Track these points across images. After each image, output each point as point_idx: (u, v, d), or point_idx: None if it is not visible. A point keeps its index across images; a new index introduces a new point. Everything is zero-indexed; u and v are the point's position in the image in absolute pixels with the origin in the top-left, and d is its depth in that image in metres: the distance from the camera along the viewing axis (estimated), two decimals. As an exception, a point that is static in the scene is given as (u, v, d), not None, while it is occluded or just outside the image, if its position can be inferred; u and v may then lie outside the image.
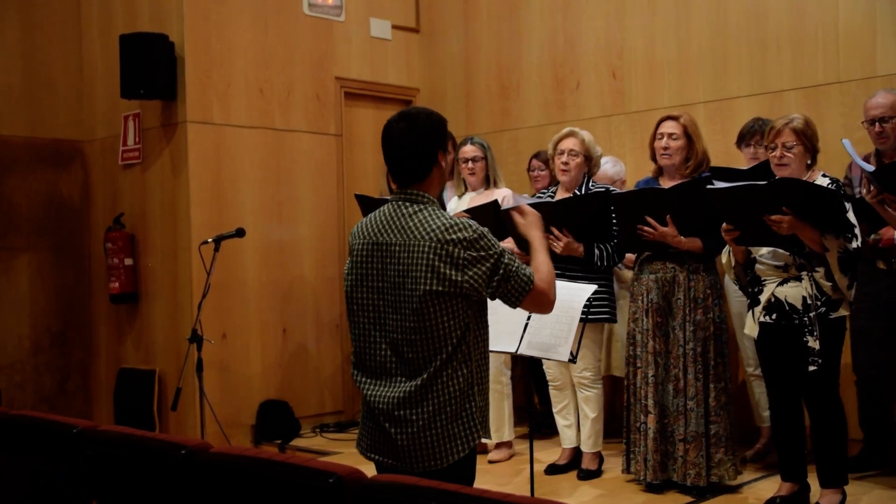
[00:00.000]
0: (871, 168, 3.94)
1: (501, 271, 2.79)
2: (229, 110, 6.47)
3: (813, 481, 4.45)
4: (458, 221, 2.77)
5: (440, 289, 2.74)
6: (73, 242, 7.04)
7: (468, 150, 5.55)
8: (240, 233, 5.71)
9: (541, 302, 2.92)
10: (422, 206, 2.83)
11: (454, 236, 2.74)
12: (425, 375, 2.79)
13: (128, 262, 6.58)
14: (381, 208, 2.93)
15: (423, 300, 2.75)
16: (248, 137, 6.56)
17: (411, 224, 2.80)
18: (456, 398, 2.81)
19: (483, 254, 2.76)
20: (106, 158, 6.90)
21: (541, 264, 2.95)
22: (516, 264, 2.83)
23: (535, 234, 3.08)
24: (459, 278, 2.74)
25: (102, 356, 7.00)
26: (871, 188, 3.91)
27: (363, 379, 2.92)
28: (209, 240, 5.61)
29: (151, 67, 6.17)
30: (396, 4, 7.54)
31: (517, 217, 3.15)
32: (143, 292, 6.61)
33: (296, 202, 6.78)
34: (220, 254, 5.60)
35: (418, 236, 2.77)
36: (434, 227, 2.77)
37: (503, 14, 7.12)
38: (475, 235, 2.75)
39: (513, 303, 2.88)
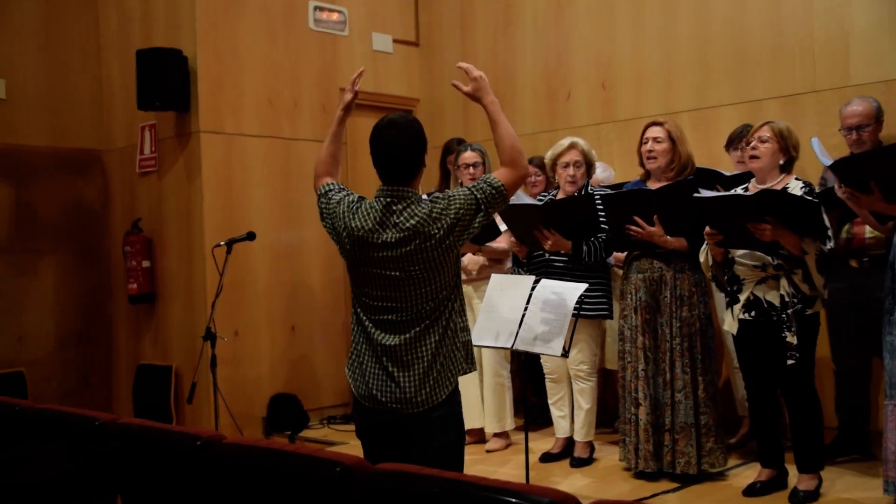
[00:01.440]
0: (829, 162, 3.94)
1: (482, 205, 2.94)
2: (240, 120, 6.48)
3: (791, 467, 4.46)
4: (434, 200, 2.95)
5: (442, 254, 2.93)
6: (94, 246, 7.06)
7: (469, 157, 5.56)
8: (250, 236, 5.72)
9: (517, 181, 3.07)
10: (409, 203, 2.96)
11: (436, 210, 2.91)
12: (428, 321, 2.97)
13: (145, 264, 6.58)
14: (371, 202, 3.03)
15: (432, 270, 2.93)
16: (257, 146, 6.57)
17: (401, 217, 2.93)
18: (452, 337, 3.01)
19: (458, 204, 2.93)
20: (124, 166, 6.92)
21: (503, 136, 3.07)
22: (484, 189, 2.96)
23: (486, 99, 3.20)
24: (456, 233, 2.93)
25: (122, 353, 7.01)
26: (841, 185, 3.91)
27: (373, 329, 3.03)
28: (221, 243, 5.63)
29: (166, 81, 6.18)
30: (397, 20, 7.55)
31: (461, 84, 3.31)
32: (160, 293, 6.62)
33: (303, 207, 6.78)
34: (231, 256, 5.62)
35: (413, 225, 2.91)
36: (423, 214, 2.92)
37: (498, 28, 7.13)
38: (444, 199, 2.94)
39: (503, 204, 3.05)
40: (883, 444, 4.02)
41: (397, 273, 2.94)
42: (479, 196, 2.94)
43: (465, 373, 3.08)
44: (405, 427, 3.00)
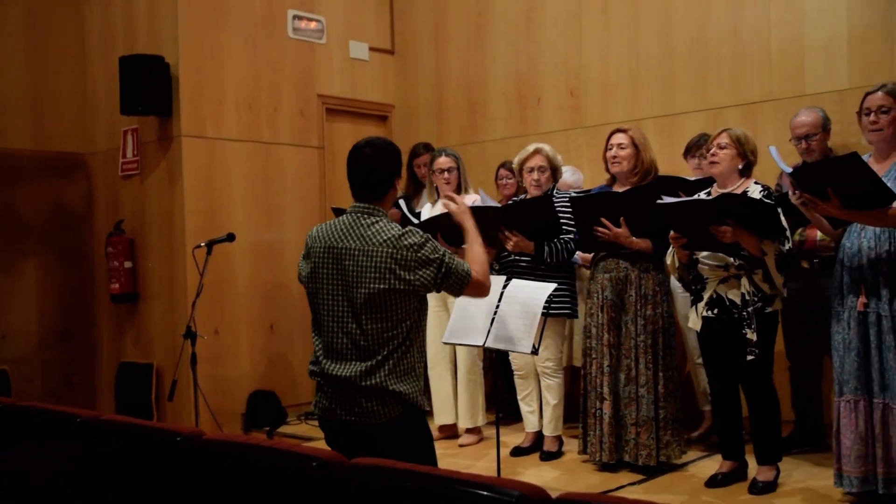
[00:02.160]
0: (789, 170, 3.98)
1: (444, 270, 3.01)
2: (220, 125, 6.45)
3: (750, 459, 4.50)
4: (408, 230, 3.00)
5: (396, 286, 2.95)
6: (77, 247, 7.00)
7: (443, 162, 5.56)
8: (230, 237, 5.69)
9: (478, 290, 3.18)
10: (378, 219, 3.03)
11: (406, 242, 2.96)
12: (379, 357, 2.99)
13: (127, 264, 6.54)
14: (341, 218, 3.11)
15: (381, 296, 2.96)
16: (237, 150, 6.54)
17: (370, 233, 3.00)
18: (409, 357, 3.05)
19: (430, 257, 2.98)
20: (107, 170, 6.86)
21: (476, 255, 3.20)
22: (455, 262, 3.05)
23: (467, 223, 3.31)
24: (411, 277, 2.96)
25: (104, 351, 6.96)
26: (796, 191, 3.95)
27: (326, 362, 3.08)
28: (202, 244, 5.60)
29: (149, 86, 6.14)
30: (373, 28, 7.55)
31: (451, 207, 3.38)
32: (142, 292, 6.58)
33: (282, 209, 6.77)
34: (212, 257, 5.58)
35: (376, 243, 2.97)
36: (389, 235, 2.97)
37: (470, 37, 7.14)
38: (422, 240, 2.98)
39: (456, 293, 3.13)
40: (834, 439, 4.07)
41: (352, 284, 3.00)
42: (448, 260, 3.01)
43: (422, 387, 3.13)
44: (369, 439, 3.01)
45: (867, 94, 4.03)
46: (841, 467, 4.02)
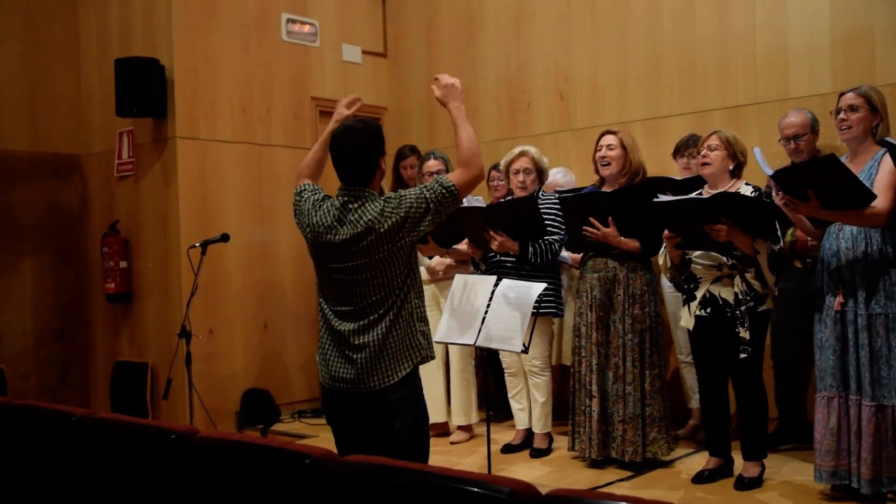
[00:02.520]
0: (771, 172, 4.00)
1: (431, 205, 2.98)
2: (214, 127, 6.43)
3: (737, 456, 4.51)
4: (387, 198, 3.00)
5: (393, 244, 2.96)
6: (72, 247, 6.97)
7: (432, 165, 5.56)
8: (224, 238, 5.68)
9: (471, 182, 3.08)
10: (364, 201, 3.01)
11: (387, 208, 2.96)
12: (381, 311, 3.01)
13: (123, 264, 6.52)
14: (332, 200, 3.10)
15: (381, 263, 2.97)
16: (231, 151, 6.52)
17: (357, 214, 2.99)
18: (403, 329, 3.03)
19: (408, 204, 2.96)
20: (102, 171, 6.83)
21: (462, 139, 3.10)
22: (435, 189, 2.99)
23: (451, 104, 3.23)
24: (405, 230, 2.96)
25: (100, 350, 6.92)
26: (779, 192, 3.96)
27: (332, 317, 3.10)
28: (197, 244, 5.58)
29: (144, 88, 6.13)
30: (366, 32, 7.54)
31: (435, 89, 3.31)
32: (137, 292, 6.55)
33: (275, 210, 6.75)
34: (206, 257, 5.57)
35: (369, 220, 2.96)
36: (375, 211, 2.97)
37: (462, 41, 7.14)
38: (395, 198, 2.98)
39: (457, 204, 3.07)
40: (815, 434, 4.09)
41: (351, 265, 3.00)
42: (428, 196, 2.98)
43: (425, 359, 3.10)
44: (366, 408, 3.04)
45: (841, 94, 4.09)
46: (816, 461, 4.04)
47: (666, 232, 4.36)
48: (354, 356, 3.02)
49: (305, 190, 3.22)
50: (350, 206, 3.02)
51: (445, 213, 3.05)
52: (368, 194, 3.03)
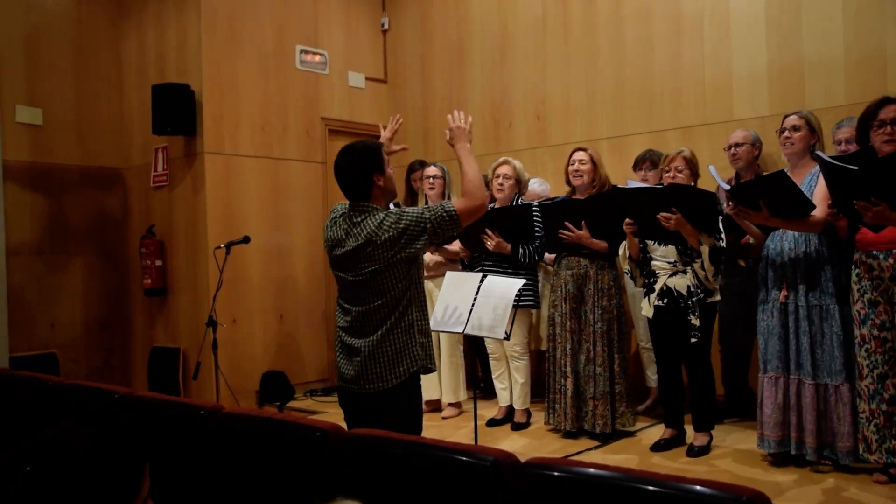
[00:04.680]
0: (727, 186, 4.03)
1: (428, 225, 2.84)
2: (237, 143, 6.42)
3: (688, 427, 4.53)
4: (388, 213, 2.87)
5: (389, 257, 2.83)
6: (115, 248, 6.96)
7: (430, 171, 5.57)
8: (246, 240, 5.68)
9: (473, 213, 2.93)
10: (368, 215, 2.90)
11: (387, 223, 2.84)
12: (380, 318, 2.88)
13: (158, 263, 6.51)
14: (344, 217, 2.99)
15: (380, 274, 2.85)
16: (252, 165, 6.52)
17: (360, 227, 2.88)
18: (400, 337, 2.89)
19: (406, 222, 2.83)
20: (141, 182, 6.82)
21: (466, 173, 2.94)
22: (437, 211, 2.86)
23: (458, 145, 3.04)
24: (400, 246, 2.83)
25: (138, 338, 6.91)
26: (730, 203, 3.99)
27: (341, 321, 3.01)
28: (221, 245, 5.58)
29: (177, 110, 6.13)
30: (369, 61, 7.54)
31: (446, 133, 3.09)
32: (171, 287, 6.54)
33: (289, 215, 6.75)
34: (230, 256, 5.57)
35: (369, 232, 2.85)
36: (374, 224, 2.85)
37: (452, 69, 7.14)
38: (396, 213, 2.86)
39: (456, 230, 2.91)
40: (758, 409, 4.11)
41: (355, 273, 2.91)
42: (428, 216, 2.84)
43: (423, 370, 2.94)
44: (365, 406, 2.94)
45: (786, 116, 4.14)
46: (763, 432, 4.07)
47: (626, 220, 4.37)
48: (353, 358, 2.93)
49: (334, 210, 3.09)
50: (355, 219, 2.91)
51: (444, 236, 2.91)
52: (371, 208, 2.91)
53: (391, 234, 2.83)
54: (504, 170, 5.17)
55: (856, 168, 3.38)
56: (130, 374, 6.98)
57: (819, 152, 3.76)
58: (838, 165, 3.46)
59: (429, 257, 5.56)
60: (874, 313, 3.65)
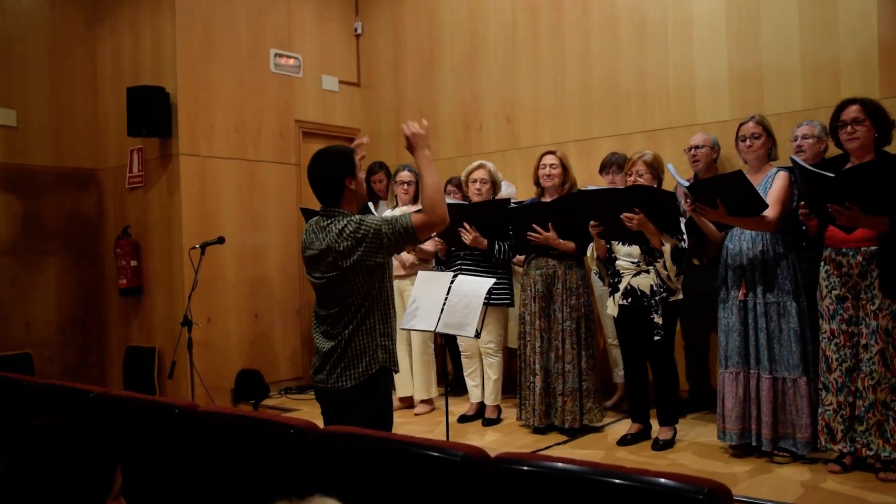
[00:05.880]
0: (686, 184, 4.08)
1: (385, 240, 2.80)
2: (212, 145, 6.36)
3: (654, 422, 4.57)
4: (350, 220, 2.83)
5: (346, 266, 2.81)
6: (90, 248, 6.87)
7: (404, 176, 5.57)
8: (221, 240, 5.63)
9: (430, 226, 2.85)
10: (334, 219, 2.88)
11: (346, 230, 2.81)
12: (344, 320, 2.87)
13: (133, 263, 6.44)
14: (315, 220, 2.98)
15: (339, 280, 2.84)
16: (227, 166, 6.46)
17: (326, 232, 2.87)
18: (361, 339, 2.87)
19: (364, 232, 2.79)
20: (116, 183, 6.74)
21: (425, 187, 2.85)
22: (395, 226, 2.80)
23: (417, 152, 2.93)
24: (357, 257, 2.80)
25: (114, 337, 6.83)
26: (688, 200, 4.04)
27: (314, 333, 3.02)
28: (197, 246, 5.53)
29: (152, 112, 6.06)
30: (342, 64, 7.51)
31: (408, 138, 2.95)
32: (146, 287, 6.47)
33: (264, 216, 6.71)
34: (205, 257, 5.52)
35: (330, 239, 2.84)
36: (336, 231, 2.83)
37: (424, 73, 7.14)
38: (356, 223, 2.81)
39: (412, 243, 2.89)
40: (719, 403, 4.17)
41: (319, 276, 2.92)
42: (386, 230, 2.79)
43: (384, 371, 2.91)
44: (333, 404, 2.94)
45: (741, 124, 4.20)
46: (724, 425, 4.13)
47: (592, 221, 4.40)
48: (321, 357, 2.94)
49: (314, 214, 3.05)
50: (322, 223, 2.90)
51: (400, 251, 2.91)
52: (337, 213, 2.89)
53: (349, 243, 2.81)
54: (480, 174, 5.18)
55: (832, 175, 3.46)
56: (106, 373, 6.88)
57: (794, 156, 3.83)
58: (814, 171, 3.55)
59: (405, 256, 5.56)
60: (842, 308, 3.71)
